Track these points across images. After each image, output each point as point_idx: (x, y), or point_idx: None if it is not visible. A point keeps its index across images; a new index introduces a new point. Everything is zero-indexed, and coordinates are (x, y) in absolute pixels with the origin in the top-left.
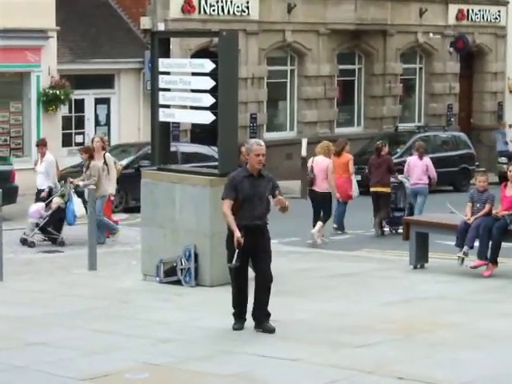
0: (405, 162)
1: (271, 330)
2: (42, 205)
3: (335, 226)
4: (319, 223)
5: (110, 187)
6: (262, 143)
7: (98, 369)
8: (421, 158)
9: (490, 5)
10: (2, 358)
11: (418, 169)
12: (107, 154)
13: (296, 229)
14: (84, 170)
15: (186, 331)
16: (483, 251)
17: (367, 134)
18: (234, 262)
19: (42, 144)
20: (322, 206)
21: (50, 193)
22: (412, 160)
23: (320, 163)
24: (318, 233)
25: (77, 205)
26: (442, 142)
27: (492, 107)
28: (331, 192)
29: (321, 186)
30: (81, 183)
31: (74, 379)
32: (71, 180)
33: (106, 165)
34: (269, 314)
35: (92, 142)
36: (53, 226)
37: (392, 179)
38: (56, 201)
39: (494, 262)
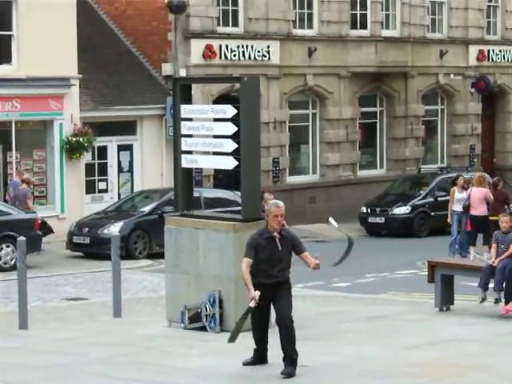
0: (426, 204)
1: (284, 373)
2: None
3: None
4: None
5: None
6: (281, 204)
7: None
8: None
9: (510, 45)
10: None
11: None
12: None
13: (320, 273)
14: None
15: (211, 377)
16: (511, 295)
17: (390, 177)
18: (250, 305)
19: None
20: (481, 228)
21: None
22: None
23: (477, 192)
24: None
25: None
26: (465, 183)
27: None
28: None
29: (479, 211)
30: None
31: None
32: None
33: None
34: (291, 358)
35: None
36: None
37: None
38: None
39: None
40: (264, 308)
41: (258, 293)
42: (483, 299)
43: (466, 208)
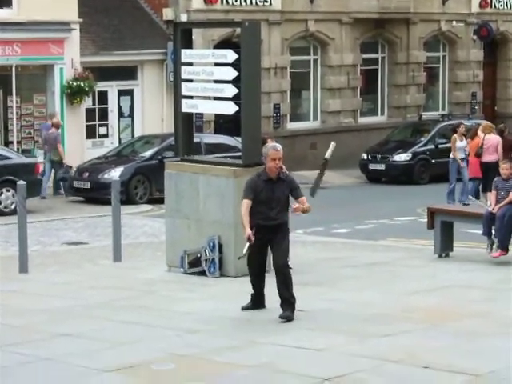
0: (427, 151)
1: (283, 317)
2: None
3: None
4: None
5: None
6: (279, 148)
7: (124, 360)
8: None
9: None
10: (28, 350)
11: None
12: None
13: (320, 219)
14: None
15: (211, 322)
16: (505, 241)
17: (391, 123)
18: (244, 251)
19: None
20: (493, 174)
21: None
22: None
23: (493, 139)
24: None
25: None
26: (466, 130)
27: None
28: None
29: (492, 157)
30: None
31: (98, 370)
32: None
33: None
34: (288, 302)
35: None
36: None
37: None
38: None
39: None
40: (261, 252)
41: (251, 233)
42: (492, 246)
43: (480, 155)
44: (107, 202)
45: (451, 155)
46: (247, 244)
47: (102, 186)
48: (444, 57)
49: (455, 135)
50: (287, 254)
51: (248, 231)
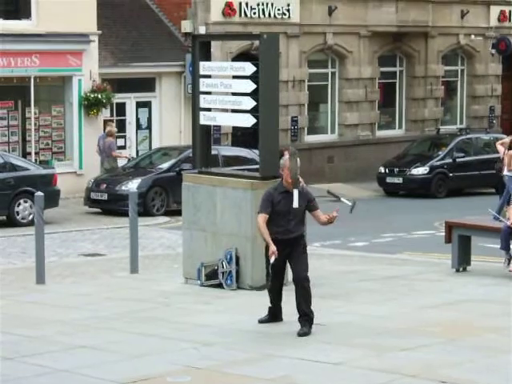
0: (445, 165)
1: (300, 334)
2: None
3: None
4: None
5: None
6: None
7: (140, 372)
8: None
9: None
10: (45, 362)
11: None
12: None
13: (337, 232)
14: None
15: (227, 334)
16: None
17: (409, 137)
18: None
19: None
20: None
21: None
22: None
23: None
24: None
25: None
26: (484, 145)
27: None
28: None
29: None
30: None
31: (115, 382)
32: None
33: None
34: (306, 317)
35: None
36: None
37: None
38: None
39: None
40: (280, 265)
41: (275, 250)
42: (509, 260)
43: (500, 168)
44: (124, 214)
45: (506, 171)
46: (271, 261)
47: (119, 198)
48: (462, 70)
49: (511, 151)
50: (307, 267)
51: (273, 247)
